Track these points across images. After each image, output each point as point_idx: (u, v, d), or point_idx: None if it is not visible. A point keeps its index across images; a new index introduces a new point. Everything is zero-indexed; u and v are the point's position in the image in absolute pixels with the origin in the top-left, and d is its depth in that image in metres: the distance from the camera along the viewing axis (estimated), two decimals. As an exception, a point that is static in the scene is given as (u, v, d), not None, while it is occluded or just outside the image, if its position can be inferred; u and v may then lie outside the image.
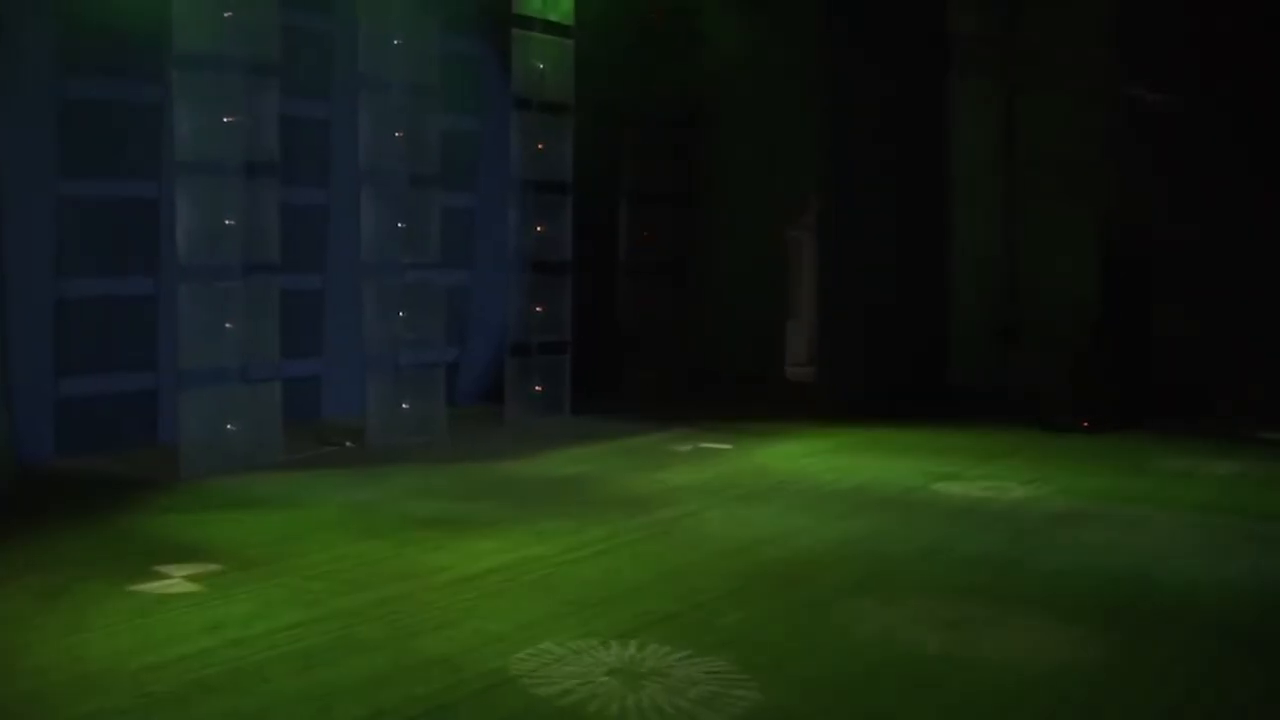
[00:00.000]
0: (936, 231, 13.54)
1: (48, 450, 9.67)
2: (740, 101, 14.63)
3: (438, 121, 11.08)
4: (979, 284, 13.64)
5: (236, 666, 5.51)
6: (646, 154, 14.28)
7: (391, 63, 10.80)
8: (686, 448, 10.82)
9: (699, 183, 14.83)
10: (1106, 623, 6.16)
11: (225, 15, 9.32)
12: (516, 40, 11.80)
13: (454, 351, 12.50)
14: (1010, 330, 13.46)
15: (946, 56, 13.49)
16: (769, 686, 5.31)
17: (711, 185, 14.89)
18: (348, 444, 10.70)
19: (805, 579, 6.88)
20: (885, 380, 12.81)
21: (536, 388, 12.13)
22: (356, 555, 7.25)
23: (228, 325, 9.50)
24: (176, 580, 6.71)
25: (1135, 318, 12.69)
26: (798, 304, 15.67)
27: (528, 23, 11.88)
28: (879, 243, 12.92)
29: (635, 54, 13.65)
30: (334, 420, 11.58)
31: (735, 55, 13.88)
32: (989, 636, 5.94)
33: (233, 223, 9.50)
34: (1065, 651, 5.77)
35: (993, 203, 13.58)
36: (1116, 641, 5.91)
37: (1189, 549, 7.58)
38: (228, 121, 9.42)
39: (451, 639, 5.82)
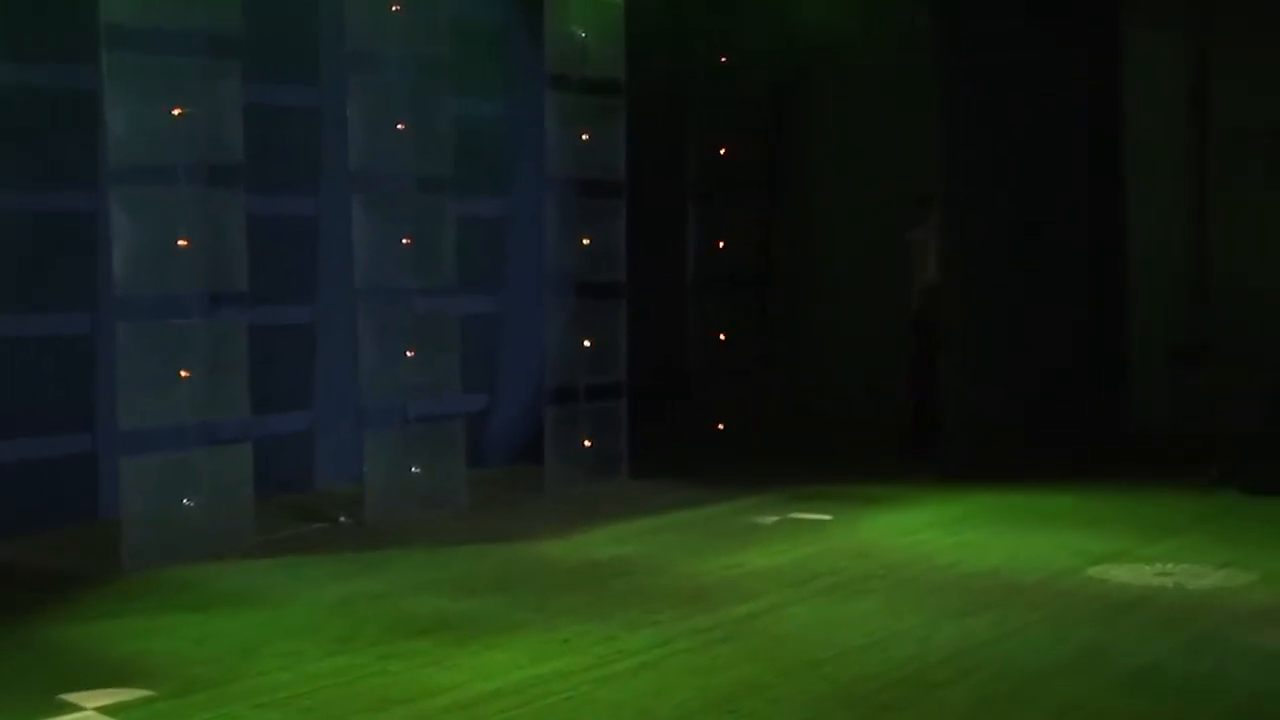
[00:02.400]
0: (1101, 227, 13.30)
1: (-48, 533, 9.56)
2: (842, 76, 14.50)
3: (450, 108, 10.97)
4: (1159, 294, 13.45)
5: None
6: (720, 145, 14.16)
7: (389, 34, 10.67)
8: (771, 519, 10.59)
9: (788, 180, 14.75)
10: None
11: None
12: (550, 1, 11.65)
13: (480, 399, 12.45)
14: (1197, 352, 13.14)
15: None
16: None
17: (804, 182, 14.76)
18: (341, 520, 10.56)
19: (907, 703, 6.48)
20: (1032, 424, 12.53)
21: (584, 443, 11.96)
22: (330, 672, 6.99)
23: (183, 374, 9.38)
24: (88, 713, 6.41)
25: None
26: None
27: (564, -21, 11.82)
28: (1022, 246, 12.65)
29: (704, 18, 13.50)
30: (329, 490, 11.46)
31: (835, 18, 13.71)
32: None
33: (187, 243, 9.37)
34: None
35: (1178, 188, 13.42)
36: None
37: None
38: (178, 114, 9.28)
39: (433, 793, 5.51)
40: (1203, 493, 11.46)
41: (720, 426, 14.03)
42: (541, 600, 8.29)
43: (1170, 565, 8.97)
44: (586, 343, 11.94)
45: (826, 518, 10.60)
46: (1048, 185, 12.86)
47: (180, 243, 9.32)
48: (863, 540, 9.87)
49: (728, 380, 14.19)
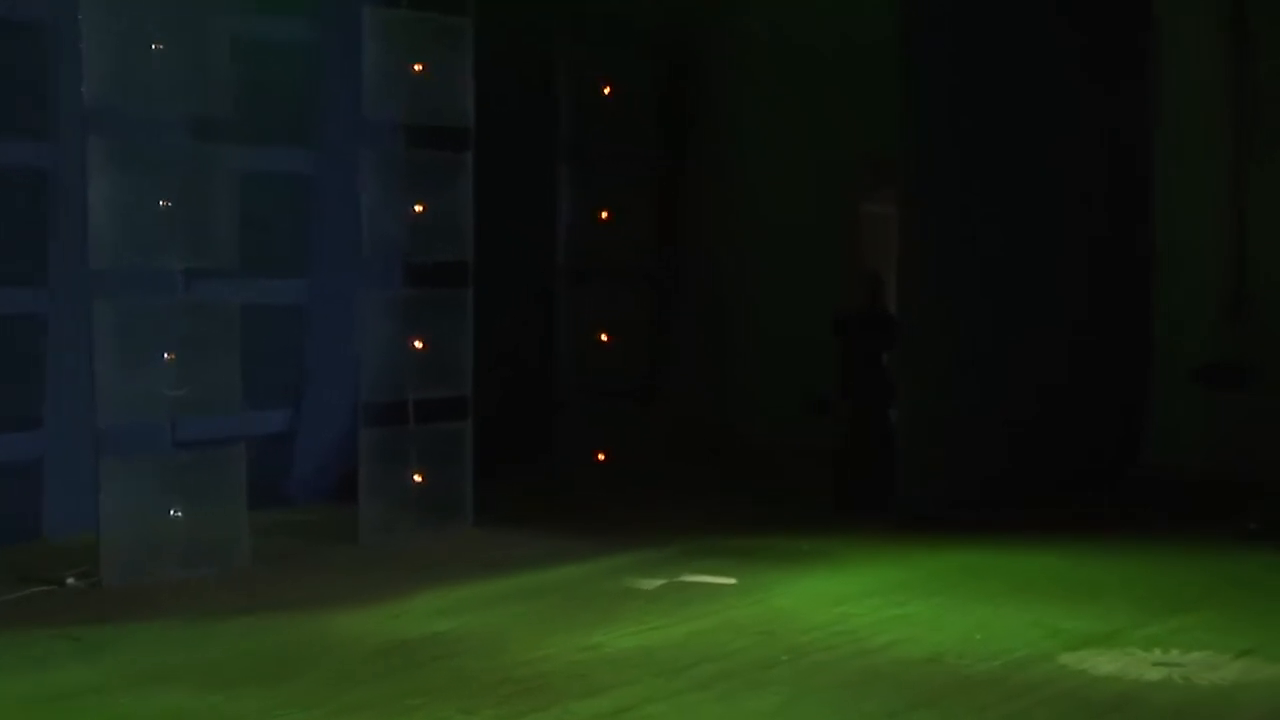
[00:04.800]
0: (1109, 217, 13.47)
1: None
2: (773, 10, 14.59)
3: (230, 25, 10.70)
4: (1188, 298, 13.63)
5: None
6: (604, 88, 14.11)
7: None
8: (654, 583, 10.46)
9: (697, 137, 14.88)
10: None
11: None
12: (367, -119, 11.48)
13: (277, 417, 12.48)
14: (1230, 374, 13.32)
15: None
16: None
17: (721, 141, 14.86)
18: (69, 581, 10.28)
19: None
20: (1017, 461, 12.54)
21: (414, 478, 11.79)
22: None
23: None
24: None
25: None
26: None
27: None
28: (1008, 234, 12.70)
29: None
30: (60, 540, 11.23)
31: None
32: None
33: None
34: None
35: (1213, 170, 13.69)
36: None
37: None
38: None
39: None
40: (1232, 552, 11.38)
41: (600, 458, 14.04)
42: (322, 694, 8.03)
43: (1174, 652, 8.80)
44: (419, 344, 11.79)
45: (728, 581, 10.47)
46: (1039, 160, 12.95)
47: None
48: (772, 613, 9.71)
49: (611, 397, 14.18)
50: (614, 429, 14.12)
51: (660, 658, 8.67)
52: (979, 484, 12.39)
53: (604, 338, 14.11)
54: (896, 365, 12.78)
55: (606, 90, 14.05)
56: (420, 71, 11.67)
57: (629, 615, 9.61)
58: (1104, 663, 8.57)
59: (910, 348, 12.70)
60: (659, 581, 10.47)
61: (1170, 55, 13.60)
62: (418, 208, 11.75)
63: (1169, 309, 13.59)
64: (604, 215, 14.06)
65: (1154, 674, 8.37)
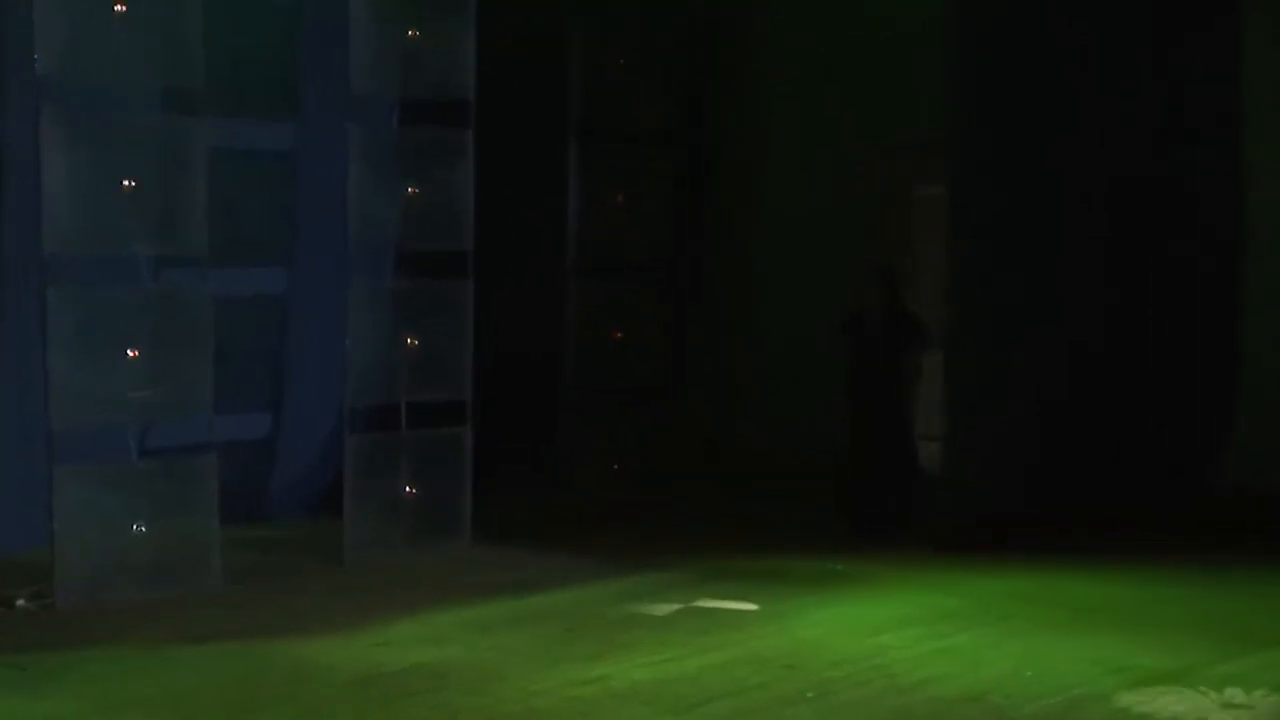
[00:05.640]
0: (1195, 207, 13.30)
1: None
2: None
3: None
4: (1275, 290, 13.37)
5: None
6: (617, 65, 14.05)
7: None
8: (667, 608, 10.34)
9: (719, 121, 14.90)
10: None
11: None
12: None
13: (258, 422, 12.46)
14: None
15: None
16: None
17: (744, 126, 14.87)
18: (19, 603, 10.24)
19: None
20: (1074, 476, 12.45)
21: (408, 489, 11.71)
22: None
23: None
24: None
25: None
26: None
27: None
28: (1061, 215, 12.65)
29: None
30: (10, 557, 11.12)
31: None
32: None
33: None
34: None
35: None
36: None
37: None
38: None
39: None
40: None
41: (615, 467, 13.99)
42: (285, 736, 7.94)
43: (1249, 692, 8.59)
44: (413, 341, 11.71)
45: (750, 607, 10.36)
46: (1101, 134, 12.88)
47: None
48: (797, 644, 9.57)
49: (623, 401, 14.12)
50: (624, 435, 14.15)
51: (671, 693, 8.58)
52: (1025, 502, 12.36)
53: (617, 335, 14.16)
54: (912, 370, 12.72)
55: (620, 65, 14.06)
56: (415, 39, 11.57)
57: (638, 644, 9.52)
58: (1171, 703, 8.41)
59: (950, 349, 12.60)
60: (671, 607, 10.37)
61: (1256, 44, 13.48)
62: (412, 190, 11.66)
63: (1256, 301, 13.46)
64: (617, 202, 14.05)
65: (1228, 717, 8.20)
